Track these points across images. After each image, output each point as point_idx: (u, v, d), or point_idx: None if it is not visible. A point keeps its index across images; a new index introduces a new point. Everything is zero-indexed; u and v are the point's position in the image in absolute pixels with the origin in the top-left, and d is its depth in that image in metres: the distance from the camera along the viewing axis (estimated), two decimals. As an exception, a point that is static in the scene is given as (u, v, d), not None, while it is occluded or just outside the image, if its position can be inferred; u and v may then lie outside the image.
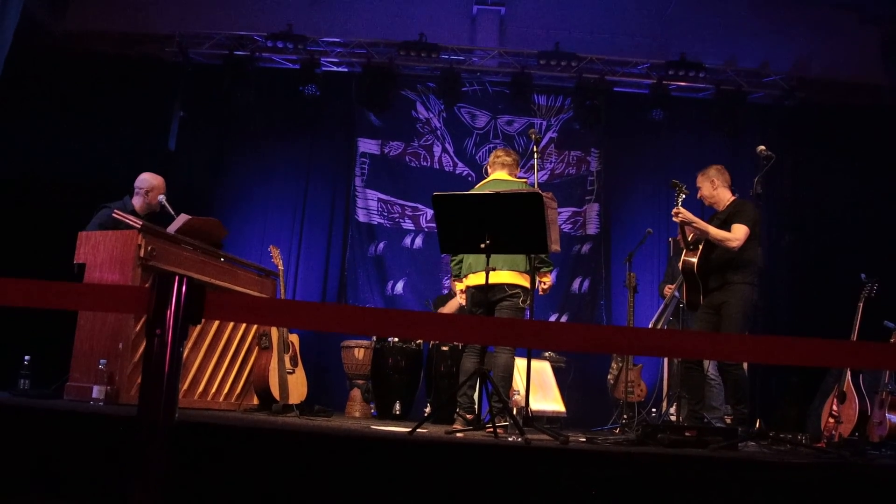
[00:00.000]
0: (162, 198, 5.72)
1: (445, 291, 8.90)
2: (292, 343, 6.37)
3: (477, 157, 9.55)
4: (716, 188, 5.39)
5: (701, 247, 5.24)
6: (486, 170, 5.59)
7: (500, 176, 5.35)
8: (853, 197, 8.52)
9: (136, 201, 5.65)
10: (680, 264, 5.40)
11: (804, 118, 9.30)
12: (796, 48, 9.43)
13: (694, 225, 5.18)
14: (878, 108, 9.01)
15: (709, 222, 5.26)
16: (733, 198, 5.39)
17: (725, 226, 5.16)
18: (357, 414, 7.00)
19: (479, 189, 5.22)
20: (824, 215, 8.71)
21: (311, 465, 2.82)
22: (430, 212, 9.12)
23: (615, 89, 9.54)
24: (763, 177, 5.17)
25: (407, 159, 9.61)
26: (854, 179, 8.58)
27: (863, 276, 6.23)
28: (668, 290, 6.87)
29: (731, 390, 5.27)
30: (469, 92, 9.65)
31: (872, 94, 9.21)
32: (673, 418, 6.32)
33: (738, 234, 5.06)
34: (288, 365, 6.18)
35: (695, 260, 5.23)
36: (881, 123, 8.64)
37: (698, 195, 5.50)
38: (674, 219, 5.22)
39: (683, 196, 5.24)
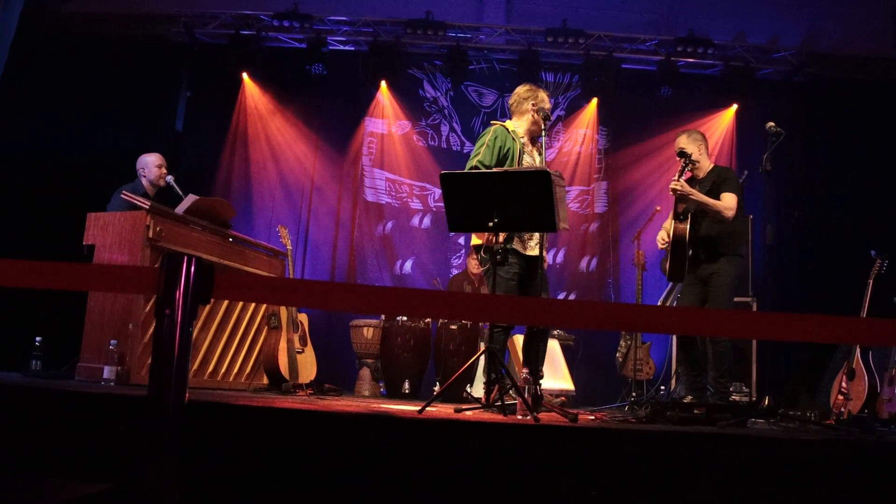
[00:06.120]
0: (170, 178, 5.77)
1: (455, 271, 8.90)
2: (301, 322, 6.40)
3: (484, 136, 9.50)
4: (701, 153, 5.36)
5: (690, 217, 5.18)
6: None
7: None
8: (863, 173, 8.46)
9: (144, 182, 5.74)
10: (670, 234, 5.29)
11: (814, 94, 9.21)
12: (806, 23, 9.32)
13: (691, 197, 5.10)
14: (889, 82, 8.91)
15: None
16: (713, 165, 5.41)
17: (713, 194, 5.13)
18: (366, 393, 7.03)
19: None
20: (834, 191, 8.64)
21: (322, 444, 2.83)
22: (437, 191, 9.09)
23: (623, 66, 9.42)
24: (772, 153, 5.16)
25: (414, 138, 9.57)
26: (864, 155, 8.51)
27: (873, 252, 6.21)
28: None
29: (715, 362, 5.19)
30: (476, 70, 9.58)
31: (883, 69, 9.11)
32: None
33: (731, 202, 5.07)
34: (297, 344, 6.21)
35: (686, 228, 5.16)
36: (892, 98, 8.55)
37: (684, 153, 5.33)
38: (671, 192, 5.17)
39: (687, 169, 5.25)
